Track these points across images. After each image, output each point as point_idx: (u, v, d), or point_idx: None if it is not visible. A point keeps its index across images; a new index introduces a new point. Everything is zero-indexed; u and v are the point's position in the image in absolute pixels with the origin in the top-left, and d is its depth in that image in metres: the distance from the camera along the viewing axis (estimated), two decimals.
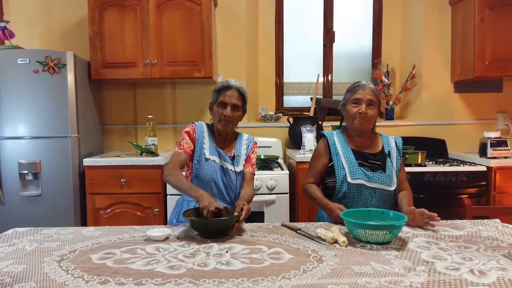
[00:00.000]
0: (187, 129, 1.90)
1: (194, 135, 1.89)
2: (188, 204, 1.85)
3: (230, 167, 1.87)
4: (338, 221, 1.64)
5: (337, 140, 1.92)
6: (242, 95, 1.87)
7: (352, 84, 1.92)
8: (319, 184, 1.93)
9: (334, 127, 2.97)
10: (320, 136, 2.02)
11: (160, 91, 3.39)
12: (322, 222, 1.72)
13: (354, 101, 1.85)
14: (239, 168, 1.89)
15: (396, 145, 1.95)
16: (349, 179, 1.80)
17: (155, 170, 2.72)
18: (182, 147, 1.86)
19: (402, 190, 1.91)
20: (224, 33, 3.35)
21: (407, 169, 2.76)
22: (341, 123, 2.05)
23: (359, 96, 1.84)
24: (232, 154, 1.91)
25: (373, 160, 1.86)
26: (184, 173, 1.91)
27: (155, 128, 3.06)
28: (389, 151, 1.91)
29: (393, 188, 1.83)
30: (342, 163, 1.84)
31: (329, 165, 1.89)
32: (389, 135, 2.00)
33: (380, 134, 1.98)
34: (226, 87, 1.85)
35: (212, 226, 1.51)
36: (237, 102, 1.85)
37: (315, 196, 1.84)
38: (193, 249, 1.38)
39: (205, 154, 1.86)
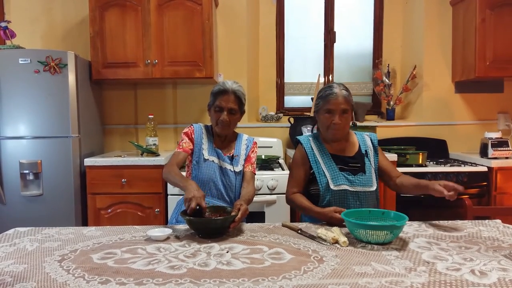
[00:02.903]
0: (185, 130, 1.92)
1: (193, 136, 1.90)
2: None
3: (229, 167, 1.88)
4: (336, 224, 1.63)
5: (314, 146, 1.87)
6: (238, 99, 1.85)
7: (323, 90, 1.86)
8: (303, 192, 1.88)
9: None
10: (295, 142, 1.97)
11: (161, 91, 3.39)
12: (323, 222, 1.72)
13: (327, 111, 1.80)
14: (238, 168, 1.89)
15: (372, 142, 1.92)
16: (332, 186, 1.78)
17: (156, 170, 2.72)
18: (181, 147, 1.87)
19: (396, 176, 1.87)
20: (225, 33, 3.35)
21: (408, 169, 2.76)
22: (313, 127, 2.04)
23: (331, 107, 1.79)
24: (231, 154, 1.91)
25: (352, 163, 1.84)
26: (184, 174, 1.92)
27: (156, 128, 3.07)
28: (366, 151, 1.89)
29: (374, 188, 1.82)
30: (323, 170, 1.81)
31: (311, 171, 1.85)
32: (364, 133, 1.97)
33: (355, 133, 1.96)
34: (223, 91, 1.83)
35: (208, 226, 1.51)
36: (234, 106, 1.84)
37: (304, 205, 1.80)
38: (194, 249, 1.38)
39: (203, 155, 1.87)
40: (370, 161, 1.86)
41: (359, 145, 1.90)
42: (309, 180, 1.87)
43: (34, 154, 2.68)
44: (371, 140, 1.93)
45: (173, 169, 1.78)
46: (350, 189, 1.78)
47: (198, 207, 1.52)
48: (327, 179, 1.79)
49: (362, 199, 1.79)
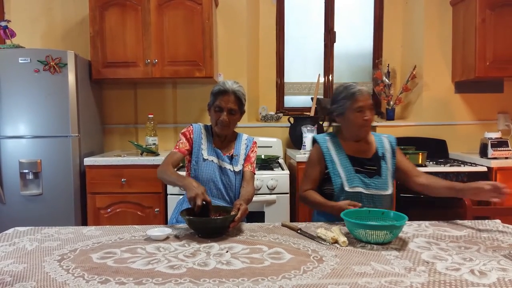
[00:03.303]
0: (183, 130, 1.92)
1: (191, 136, 1.90)
2: (188, 204, 1.85)
3: (228, 166, 1.88)
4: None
5: (331, 146, 1.86)
6: (238, 99, 1.85)
7: (345, 90, 1.82)
8: (316, 191, 1.88)
9: (335, 128, 2.96)
10: (312, 141, 1.96)
11: (161, 90, 3.39)
12: (322, 222, 1.72)
13: (358, 109, 1.77)
14: (237, 168, 1.89)
15: (390, 145, 1.90)
16: (346, 188, 1.77)
17: (156, 170, 2.70)
18: (177, 147, 1.88)
19: (417, 175, 1.84)
20: (225, 33, 3.35)
21: None
22: (329, 128, 2.03)
23: (361, 104, 1.77)
24: (231, 154, 1.91)
25: (369, 165, 1.82)
26: (183, 174, 1.92)
27: (156, 128, 3.07)
28: (383, 153, 1.86)
29: (389, 192, 1.81)
30: (338, 171, 1.80)
31: (326, 171, 1.84)
32: (382, 134, 1.95)
33: (373, 134, 1.93)
34: (223, 91, 1.83)
35: (208, 225, 1.51)
36: (234, 106, 1.83)
37: (317, 201, 1.79)
38: (194, 248, 1.38)
39: (203, 155, 1.87)
40: (387, 164, 1.84)
41: (377, 147, 1.88)
42: (323, 179, 1.86)
43: (33, 153, 2.68)
44: (389, 142, 1.91)
45: (168, 168, 1.79)
46: (365, 192, 1.77)
47: (204, 203, 1.54)
48: (342, 180, 1.78)
49: (376, 202, 1.78)
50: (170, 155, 1.87)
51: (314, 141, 1.93)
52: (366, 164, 1.83)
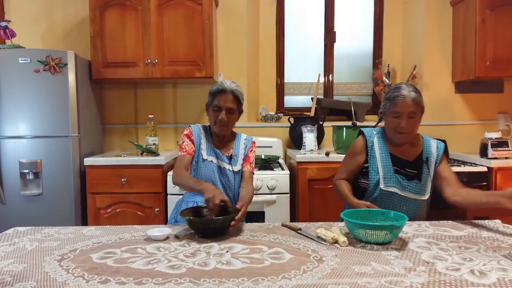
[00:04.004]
0: (185, 132, 1.92)
1: (192, 137, 1.90)
2: (187, 205, 1.86)
3: (227, 166, 1.88)
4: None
5: (376, 141, 1.84)
6: (237, 98, 1.85)
7: (391, 91, 1.78)
8: (350, 182, 1.87)
9: (335, 128, 2.96)
10: (359, 133, 1.93)
11: (161, 90, 3.39)
12: (322, 222, 1.72)
13: (394, 114, 1.74)
14: (237, 168, 1.90)
15: (437, 151, 1.85)
16: (382, 186, 1.76)
17: (156, 170, 2.72)
18: (184, 150, 1.87)
19: (456, 188, 1.74)
20: (225, 33, 3.35)
21: None
22: (377, 124, 2.00)
23: (399, 110, 1.72)
24: (230, 154, 1.91)
25: (410, 168, 1.80)
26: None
27: (156, 128, 3.06)
28: (427, 158, 1.83)
29: (426, 197, 1.79)
30: (377, 167, 1.79)
31: (365, 165, 1.83)
32: (432, 139, 1.90)
33: (422, 136, 1.90)
34: (221, 91, 1.83)
35: (208, 226, 1.52)
36: (232, 106, 1.84)
37: (343, 192, 1.79)
38: (194, 248, 1.38)
39: (202, 155, 1.87)
40: (429, 169, 1.81)
41: (422, 150, 1.85)
42: (361, 172, 1.85)
43: (34, 153, 2.68)
44: (437, 148, 1.86)
45: (184, 173, 1.79)
46: (400, 193, 1.76)
47: (222, 203, 1.56)
48: (379, 177, 1.77)
49: (409, 205, 1.76)
50: (179, 158, 1.86)
51: (361, 132, 1.91)
52: (407, 166, 1.80)
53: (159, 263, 1.25)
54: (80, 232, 1.60)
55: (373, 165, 1.80)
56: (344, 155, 1.99)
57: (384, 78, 3.43)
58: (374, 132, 1.88)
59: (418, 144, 1.87)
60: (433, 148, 1.86)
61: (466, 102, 3.40)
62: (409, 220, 1.58)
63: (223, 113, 1.82)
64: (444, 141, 1.93)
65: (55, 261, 1.28)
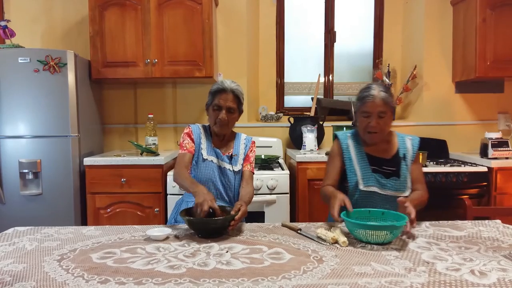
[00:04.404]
0: (186, 131, 1.92)
1: (192, 136, 1.90)
2: (187, 205, 1.85)
3: (228, 166, 1.88)
4: (332, 213, 1.54)
5: (351, 143, 1.85)
6: (237, 97, 1.84)
7: (361, 91, 1.80)
8: (337, 187, 1.84)
9: (335, 128, 2.96)
10: (334, 137, 1.95)
11: (161, 90, 3.39)
12: (322, 222, 1.72)
13: (364, 114, 1.75)
14: (237, 168, 1.89)
15: (413, 147, 1.86)
16: (361, 186, 1.76)
17: (156, 170, 2.72)
18: (185, 148, 1.87)
19: (414, 189, 1.79)
20: (225, 32, 3.35)
21: None
22: (353, 124, 1.99)
23: (368, 109, 1.73)
24: (230, 154, 1.91)
25: (387, 166, 1.80)
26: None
27: (156, 128, 3.06)
28: (404, 154, 1.83)
29: (407, 193, 1.78)
30: (354, 168, 1.79)
31: (344, 168, 1.83)
32: (406, 135, 1.91)
33: (397, 134, 1.90)
34: (221, 90, 1.82)
35: (208, 226, 1.51)
36: (232, 105, 1.83)
37: (327, 191, 1.74)
38: (193, 248, 1.38)
39: (202, 155, 1.86)
40: (407, 165, 1.81)
41: (398, 148, 1.84)
42: (342, 176, 1.85)
43: (33, 153, 2.68)
44: (412, 144, 1.87)
45: (183, 173, 1.78)
46: (380, 192, 1.76)
47: (211, 210, 1.54)
48: (357, 178, 1.77)
49: (392, 203, 1.75)
50: (180, 157, 1.86)
51: (335, 136, 1.92)
52: (384, 164, 1.81)
53: (159, 263, 1.24)
54: (79, 232, 1.60)
55: (350, 167, 1.80)
56: None
57: (384, 78, 3.43)
58: (348, 135, 1.89)
59: (393, 142, 1.87)
60: (409, 144, 1.86)
61: (466, 102, 3.40)
62: None
63: (223, 113, 1.82)
64: (418, 138, 1.91)
65: (54, 261, 1.28)
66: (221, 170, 1.87)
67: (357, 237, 1.45)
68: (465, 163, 2.94)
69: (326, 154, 2.77)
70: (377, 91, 1.74)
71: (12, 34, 2.87)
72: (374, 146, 1.83)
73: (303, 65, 3.68)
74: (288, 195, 2.64)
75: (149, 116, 3.04)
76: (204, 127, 1.96)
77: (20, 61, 2.65)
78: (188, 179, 1.75)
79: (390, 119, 1.77)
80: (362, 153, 1.82)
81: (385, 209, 1.64)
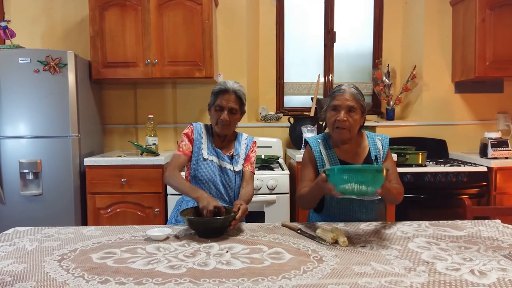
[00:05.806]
0: (185, 131, 1.91)
1: (192, 136, 1.90)
2: (187, 204, 1.85)
3: (228, 166, 1.88)
4: (328, 187, 1.47)
5: (323, 149, 1.80)
6: (239, 98, 1.84)
7: (333, 89, 1.78)
8: None
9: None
10: (304, 142, 1.92)
11: (161, 90, 3.39)
12: (322, 222, 1.72)
13: (333, 108, 1.72)
14: (238, 168, 1.89)
15: (382, 146, 1.83)
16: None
17: (156, 170, 2.72)
18: (181, 149, 1.87)
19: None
20: (225, 33, 3.35)
21: (408, 169, 2.76)
22: (324, 128, 1.97)
23: (337, 103, 1.70)
24: (231, 154, 1.91)
25: None
26: (183, 174, 1.92)
27: (156, 128, 3.07)
28: (376, 156, 1.80)
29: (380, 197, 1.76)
30: None
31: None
32: (376, 135, 1.87)
33: (367, 135, 1.86)
34: (224, 91, 1.82)
35: (208, 225, 1.51)
36: (234, 106, 1.83)
37: (304, 192, 1.70)
38: (194, 248, 1.38)
39: (203, 155, 1.86)
40: None
41: (369, 149, 1.82)
42: None
43: (33, 153, 2.68)
44: (382, 144, 1.83)
45: (176, 174, 1.79)
46: (356, 198, 1.72)
47: (216, 210, 1.56)
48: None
49: (369, 208, 1.75)
50: (175, 158, 1.86)
51: (306, 142, 1.88)
52: None
53: (159, 263, 1.24)
54: (80, 232, 1.60)
55: None
56: None
57: (384, 78, 3.44)
58: (319, 140, 1.83)
59: (364, 144, 1.83)
60: (379, 144, 1.83)
61: (466, 102, 3.41)
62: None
63: (225, 113, 1.82)
64: (387, 136, 1.87)
65: (55, 261, 1.28)
66: (222, 170, 1.87)
67: (342, 191, 1.39)
68: (464, 163, 2.94)
69: None
70: (347, 87, 1.73)
71: (12, 35, 2.87)
72: (346, 150, 1.79)
73: (303, 65, 3.69)
74: (288, 195, 2.64)
75: (149, 116, 3.04)
76: (206, 126, 1.96)
77: (20, 61, 2.65)
78: (185, 183, 1.77)
79: (359, 117, 1.73)
80: (335, 158, 1.78)
81: (361, 216, 1.65)
